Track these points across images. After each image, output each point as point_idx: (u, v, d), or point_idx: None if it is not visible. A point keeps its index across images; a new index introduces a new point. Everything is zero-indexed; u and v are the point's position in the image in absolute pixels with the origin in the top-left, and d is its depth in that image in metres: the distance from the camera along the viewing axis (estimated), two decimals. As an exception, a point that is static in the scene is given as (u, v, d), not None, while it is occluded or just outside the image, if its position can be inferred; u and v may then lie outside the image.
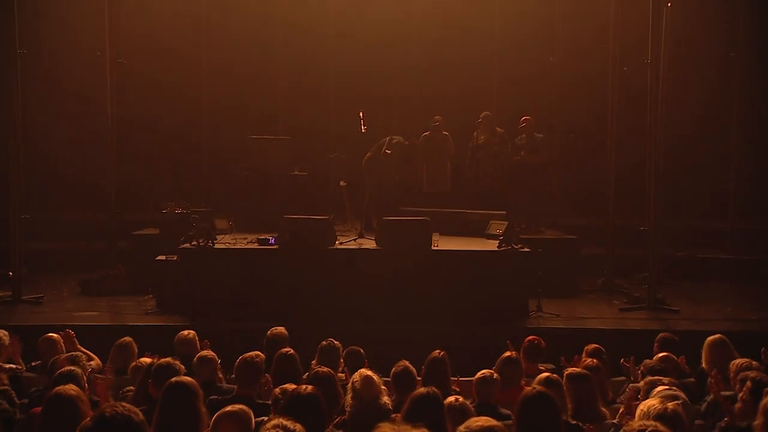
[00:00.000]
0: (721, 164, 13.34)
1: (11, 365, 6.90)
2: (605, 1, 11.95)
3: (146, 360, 6.17)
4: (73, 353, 6.40)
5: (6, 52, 10.35)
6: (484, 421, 3.20)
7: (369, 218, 11.34)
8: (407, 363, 5.73)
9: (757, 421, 4.29)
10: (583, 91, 13.33)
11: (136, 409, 3.34)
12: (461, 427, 3.16)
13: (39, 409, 5.03)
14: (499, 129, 12.07)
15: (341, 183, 11.75)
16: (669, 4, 10.51)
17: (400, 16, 13.69)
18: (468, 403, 4.97)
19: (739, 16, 12.79)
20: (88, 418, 3.98)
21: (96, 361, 6.79)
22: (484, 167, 12.01)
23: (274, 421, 3.43)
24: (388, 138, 11.72)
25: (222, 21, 13.82)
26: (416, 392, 4.70)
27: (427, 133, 12.26)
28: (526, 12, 13.62)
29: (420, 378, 5.69)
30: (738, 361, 5.97)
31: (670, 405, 3.95)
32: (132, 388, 5.77)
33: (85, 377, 5.76)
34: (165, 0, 13.24)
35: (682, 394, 4.22)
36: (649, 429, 3.40)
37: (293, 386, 5.00)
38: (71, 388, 4.33)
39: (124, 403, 3.38)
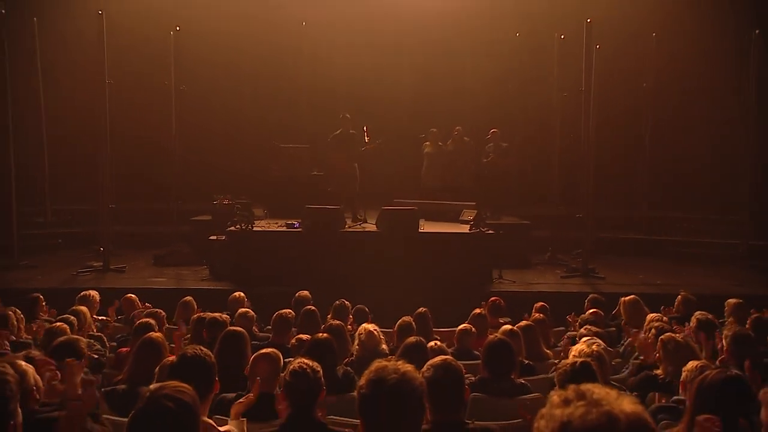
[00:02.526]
0: (638, 166, 13.35)
1: (102, 317, 6.98)
2: (550, 43, 12.06)
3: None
4: (155, 309, 6.45)
5: (97, 82, 10.37)
6: (443, 357, 3.24)
7: (356, 209, 10.92)
8: (410, 318, 5.79)
9: (658, 355, 4.45)
10: (533, 111, 13.40)
11: (210, 353, 3.33)
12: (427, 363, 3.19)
13: (125, 349, 5.10)
14: (466, 138, 12.04)
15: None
16: (598, 46, 10.56)
17: (394, 60, 13.81)
18: (445, 346, 5.03)
19: (651, 57, 12.83)
20: (169, 359, 4.01)
21: None
22: (453, 169, 11.98)
23: (299, 360, 3.48)
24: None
25: (258, 55, 13.83)
26: (407, 340, 4.77)
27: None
28: (491, 49, 13.62)
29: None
30: (651, 315, 6.05)
31: (594, 346, 4.03)
32: (189, 336, 5.85)
33: (162, 328, 5.82)
34: (215, 41, 13.25)
35: (600, 341, 4.29)
36: (579, 361, 3.47)
37: (308, 336, 5.06)
38: (159, 336, 4.38)
39: (201, 347, 3.35)
